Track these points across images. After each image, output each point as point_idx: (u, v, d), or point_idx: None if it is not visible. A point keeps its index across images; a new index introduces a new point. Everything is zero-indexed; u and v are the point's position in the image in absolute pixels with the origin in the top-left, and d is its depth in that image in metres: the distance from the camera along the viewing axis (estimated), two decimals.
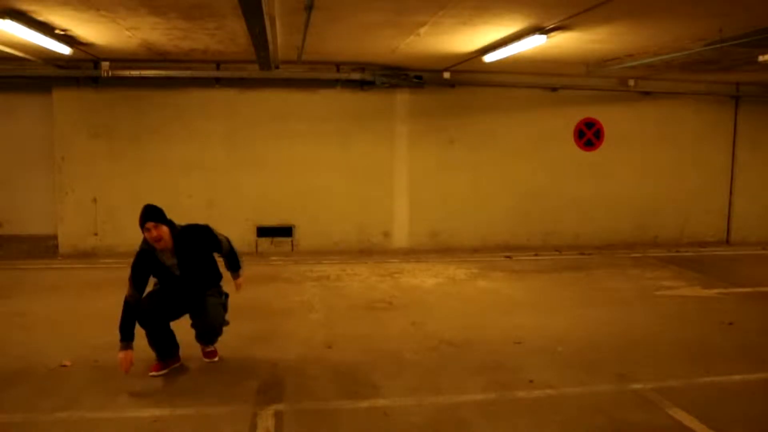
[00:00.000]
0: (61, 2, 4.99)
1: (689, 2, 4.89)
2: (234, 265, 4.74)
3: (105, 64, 8.09)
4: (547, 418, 3.79)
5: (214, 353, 4.69)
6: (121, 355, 4.14)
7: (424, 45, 6.81)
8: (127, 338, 4.18)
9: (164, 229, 4.24)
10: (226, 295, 4.72)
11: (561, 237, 9.79)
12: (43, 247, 8.71)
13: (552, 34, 5.95)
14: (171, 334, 4.46)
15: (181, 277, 4.37)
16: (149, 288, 4.42)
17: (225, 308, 4.68)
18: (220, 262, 4.73)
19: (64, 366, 4.50)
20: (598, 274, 7.95)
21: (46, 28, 5.87)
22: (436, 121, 9.31)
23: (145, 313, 4.26)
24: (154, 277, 4.40)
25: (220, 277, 4.65)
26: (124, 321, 4.19)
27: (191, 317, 4.58)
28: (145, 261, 4.31)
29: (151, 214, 4.23)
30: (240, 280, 4.80)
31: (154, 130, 8.66)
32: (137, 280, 4.27)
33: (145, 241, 4.28)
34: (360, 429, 3.65)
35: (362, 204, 9.28)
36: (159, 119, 8.65)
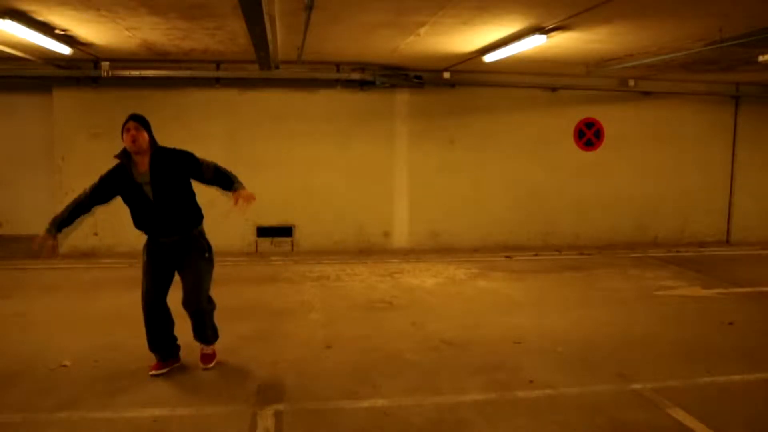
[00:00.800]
0: (61, 2, 5.00)
1: (689, 2, 4.89)
2: (227, 183, 4.29)
3: (105, 64, 8.10)
4: (546, 418, 3.79)
5: (210, 357, 4.51)
6: (40, 238, 4.04)
7: (424, 45, 6.82)
8: (54, 226, 4.09)
9: (145, 136, 4.13)
10: (209, 247, 4.39)
11: (561, 237, 9.79)
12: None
13: (552, 34, 5.96)
14: (172, 337, 4.45)
15: (155, 203, 4.14)
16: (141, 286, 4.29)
17: (210, 261, 4.36)
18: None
19: (64, 366, 4.50)
20: (598, 274, 7.95)
21: (46, 28, 5.88)
22: (436, 121, 9.31)
23: (147, 305, 4.25)
24: (126, 202, 4.22)
25: (200, 216, 4.41)
26: (63, 210, 4.15)
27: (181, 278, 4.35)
28: (115, 175, 4.17)
29: (138, 117, 4.17)
30: (239, 192, 4.15)
31: (154, 130, 8.60)
32: (98, 187, 4.18)
33: (121, 153, 4.14)
34: (360, 429, 3.65)
35: (362, 204, 9.28)
36: (159, 119, 8.49)
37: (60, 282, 7.26)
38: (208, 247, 4.39)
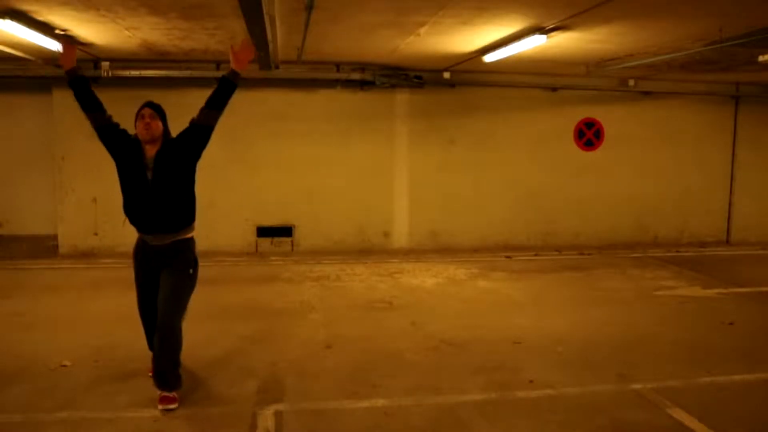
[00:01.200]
0: (61, 2, 5.00)
1: (689, 2, 4.89)
2: (221, 87, 3.94)
3: (105, 64, 8.09)
4: (547, 418, 3.79)
5: (171, 399, 3.85)
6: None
7: (424, 45, 6.81)
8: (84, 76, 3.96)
9: (159, 125, 3.90)
10: (195, 263, 4.06)
11: (561, 237, 9.79)
12: (43, 247, 8.71)
13: (552, 34, 5.95)
14: None
15: (152, 185, 3.86)
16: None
17: (193, 278, 4.03)
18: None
19: (64, 366, 4.50)
20: (598, 274, 7.95)
21: (46, 28, 5.87)
22: (436, 121, 9.31)
23: (142, 312, 4.12)
24: (123, 178, 3.94)
25: (192, 217, 4.04)
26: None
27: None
28: (129, 140, 3.94)
29: (154, 105, 3.94)
30: (235, 57, 3.92)
31: None
32: (116, 126, 3.98)
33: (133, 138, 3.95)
34: (360, 429, 3.65)
35: (362, 204, 9.28)
36: None
37: (60, 282, 7.26)
38: (195, 263, 4.06)
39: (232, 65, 3.95)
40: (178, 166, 3.96)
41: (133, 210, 3.97)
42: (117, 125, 4.00)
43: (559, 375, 4.46)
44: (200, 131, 3.98)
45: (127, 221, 4.06)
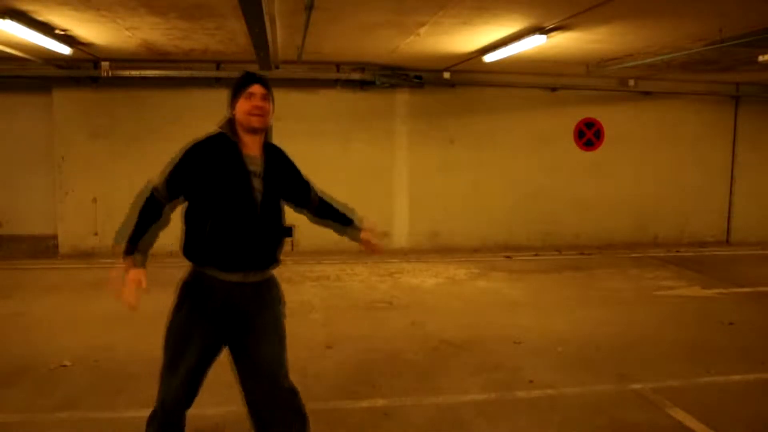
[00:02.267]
0: (61, 2, 5.00)
1: (689, 2, 4.89)
2: (342, 217, 3.25)
3: (105, 64, 8.10)
4: (547, 418, 3.79)
5: None
6: (132, 274, 2.58)
7: (424, 45, 6.82)
8: (135, 243, 2.64)
9: (271, 111, 2.76)
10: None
11: (561, 237, 9.79)
12: (43, 247, 8.71)
13: (552, 34, 5.96)
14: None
15: (261, 206, 2.81)
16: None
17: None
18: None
19: (64, 366, 4.50)
20: (598, 274, 7.95)
21: (46, 28, 5.88)
22: (436, 121, 9.31)
23: (170, 413, 2.99)
24: (213, 196, 2.65)
25: (278, 257, 3.11)
26: (140, 217, 2.66)
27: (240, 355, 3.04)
28: (214, 152, 2.67)
29: (265, 81, 2.75)
30: (367, 231, 3.28)
31: (154, 130, 8.65)
32: (178, 177, 2.65)
33: (227, 124, 2.74)
34: (360, 429, 3.65)
35: (362, 204, 9.11)
36: (159, 119, 8.65)
37: (60, 282, 7.26)
38: (283, 296, 3.11)
39: (363, 244, 3.39)
40: (286, 180, 2.99)
41: (230, 239, 2.70)
42: (187, 162, 2.68)
43: (559, 375, 4.46)
44: (301, 191, 3.15)
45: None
